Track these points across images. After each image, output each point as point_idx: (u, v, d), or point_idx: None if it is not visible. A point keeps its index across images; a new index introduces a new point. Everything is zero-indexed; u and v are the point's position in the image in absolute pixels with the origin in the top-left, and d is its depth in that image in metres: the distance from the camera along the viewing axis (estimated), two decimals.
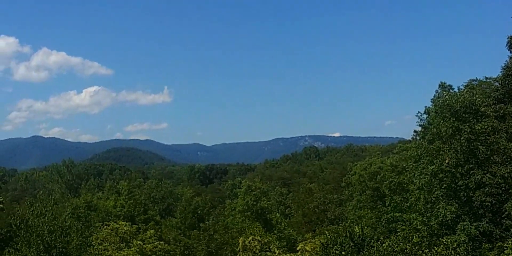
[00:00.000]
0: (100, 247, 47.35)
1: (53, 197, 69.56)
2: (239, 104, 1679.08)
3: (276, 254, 40.15)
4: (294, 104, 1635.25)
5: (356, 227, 33.36)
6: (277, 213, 77.33)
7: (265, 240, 41.99)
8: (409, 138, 64.18)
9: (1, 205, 18.22)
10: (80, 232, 42.45)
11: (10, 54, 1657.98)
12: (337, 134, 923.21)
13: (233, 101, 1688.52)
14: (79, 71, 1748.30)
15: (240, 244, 41.02)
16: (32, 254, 37.84)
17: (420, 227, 40.55)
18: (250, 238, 41.30)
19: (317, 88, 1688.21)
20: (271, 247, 41.51)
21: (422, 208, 41.34)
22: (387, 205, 56.76)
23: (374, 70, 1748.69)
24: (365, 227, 47.39)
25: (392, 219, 52.92)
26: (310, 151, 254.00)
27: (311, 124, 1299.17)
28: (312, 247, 39.91)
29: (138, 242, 52.81)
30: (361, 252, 29.43)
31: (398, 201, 52.78)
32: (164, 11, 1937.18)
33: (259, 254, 40.11)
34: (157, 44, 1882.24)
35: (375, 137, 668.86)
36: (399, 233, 40.45)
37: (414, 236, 33.33)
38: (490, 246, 35.09)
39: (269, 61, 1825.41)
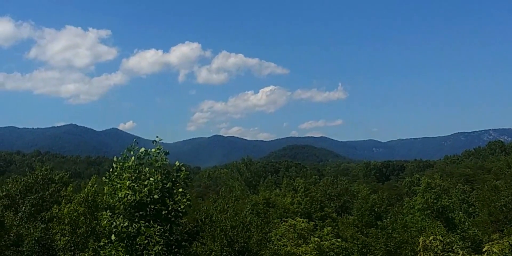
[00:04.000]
0: (279, 243, 48.54)
1: (233, 194, 73.19)
2: (415, 98, 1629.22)
3: (460, 255, 37.89)
4: (477, 94, 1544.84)
5: None
6: (460, 212, 73.18)
7: (447, 240, 39.82)
8: None
9: (189, 202, 19.48)
10: (260, 228, 44.07)
11: (194, 58, 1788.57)
12: None
13: (409, 95, 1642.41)
14: (256, 72, 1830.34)
15: (421, 243, 39.35)
16: (217, 247, 40.04)
17: None
18: (431, 237, 39.44)
19: (501, 77, 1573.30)
20: (454, 248, 39.29)
21: None
22: None
23: None
24: None
25: None
26: (495, 145, 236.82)
27: (496, 116, 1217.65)
28: (500, 249, 37.00)
29: (316, 238, 53.27)
30: None
31: None
32: (334, 10, 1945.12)
33: (441, 254, 38.18)
34: (331, 42, 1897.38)
35: None
36: None
37: None
38: None
39: (446, 53, 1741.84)
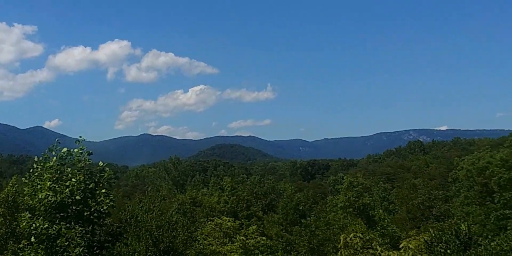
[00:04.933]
0: (204, 242, 48.70)
1: (160, 193, 72.64)
2: (341, 99, 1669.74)
3: (379, 251, 39.40)
4: (398, 97, 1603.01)
5: (463, 224, 32.09)
6: (380, 210, 75.85)
7: (367, 237, 41.30)
8: None
9: (112, 203, 19.41)
10: (186, 227, 44.02)
11: (123, 56, 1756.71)
12: (443, 128, 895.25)
13: (335, 96, 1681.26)
14: (186, 71, 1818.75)
15: (342, 240, 40.61)
16: (142, 248, 39.74)
17: None
18: (352, 235, 40.78)
19: (421, 80, 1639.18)
20: (373, 244, 40.81)
21: None
22: (496, 202, 54.07)
23: (484, 60, 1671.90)
24: (473, 225, 45.47)
25: (502, 216, 50.44)
26: (414, 145, 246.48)
27: (416, 118, 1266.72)
28: (416, 245, 38.74)
29: (241, 237, 53.82)
30: (467, 251, 28.26)
31: (508, 198, 50.17)
32: (266, 11, 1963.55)
33: (361, 251, 39.55)
34: (261, 43, 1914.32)
35: (484, 130, 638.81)
36: (509, 231, 38.50)
37: None
38: None
39: (371, 55, 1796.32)
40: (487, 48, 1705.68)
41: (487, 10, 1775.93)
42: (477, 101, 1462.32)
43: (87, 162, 20.42)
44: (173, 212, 54.83)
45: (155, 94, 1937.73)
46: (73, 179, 19.52)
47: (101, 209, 19.91)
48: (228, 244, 50.99)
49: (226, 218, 59.83)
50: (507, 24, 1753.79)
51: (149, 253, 39.75)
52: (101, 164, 20.72)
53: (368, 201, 72.23)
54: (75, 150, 20.44)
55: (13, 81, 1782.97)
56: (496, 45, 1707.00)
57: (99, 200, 19.99)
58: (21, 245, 20.86)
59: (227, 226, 56.26)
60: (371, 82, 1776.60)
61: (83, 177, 19.89)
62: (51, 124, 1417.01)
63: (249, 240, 54.28)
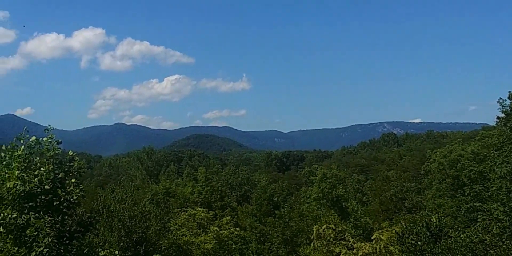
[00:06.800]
0: (178, 232, 48.55)
1: (133, 184, 72.12)
2: (316, 91, 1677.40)
3: (351, 242, 39.73)
4: (373, 89, 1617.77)
5: (433, 216, 32.40)
6: (353, 201, 76.40)
7: (340, 228, 41.61)
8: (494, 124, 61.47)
9: (82, 193, 19.19)
10: (159, 217, 43.81)
11: (97, 44, 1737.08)
12: (417, 120, 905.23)
13: (311, 87, 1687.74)
14: (161, 60, 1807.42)
15: (314, 232, 40.86)
16: (114, 238, 39.43)
17: (501, 217, 38.91)
18: (325, 226, 41.04)
19: (397, 73, 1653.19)
20: (345, 236, 41.12)
21: (504, 197, 39.55)
22: (466, 194, 54.83)
23: (458, 52, 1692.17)
24: (444, 217, 46.05)
25: (472, 209, 51.19)
26: (388, 137, 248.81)
27: (390, 110, 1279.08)
28: (388, 236, 39.15)
29: (215, 228, 53.82)
30: (438, 243, 28.56)
31: (478, 191, 50.88)
32: (243, 2, 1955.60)
33: (333, 242, 39.83)
34: (237, 33, 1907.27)
35: (457, 123, 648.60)
36: (478, 224, 39.06)
37: (495, 227, 32.05)
38: None
39: (346, 46, 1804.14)
40: (461, 42, 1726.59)
41: (464, 8, 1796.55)
42: (451, 94, 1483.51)
43: (56, 151, 19.93)
44: (147, 203, 54.56)
45: (129, 83, 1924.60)
46: (42, 168, 19.07)
47: (71, 199, 19.54)
48: (202, 235, 50.91)
49: (200, 209, 59.73)
50: (479, 18, 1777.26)
51: (121, 244, 39.47)
52: (71, 154, 20.26)
53: (342, 193, 72.71)
54: (44, 139, 19.94)
55: None
56: (469, 40, 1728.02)
57: (68, 190, 19.58)
58: None
59: (200, 217, 56.17)
60: (346, 74, 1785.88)
61: (52, 167, 19.43)
62: (23, 112, 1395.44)
63: (223, 231, 54.29)
